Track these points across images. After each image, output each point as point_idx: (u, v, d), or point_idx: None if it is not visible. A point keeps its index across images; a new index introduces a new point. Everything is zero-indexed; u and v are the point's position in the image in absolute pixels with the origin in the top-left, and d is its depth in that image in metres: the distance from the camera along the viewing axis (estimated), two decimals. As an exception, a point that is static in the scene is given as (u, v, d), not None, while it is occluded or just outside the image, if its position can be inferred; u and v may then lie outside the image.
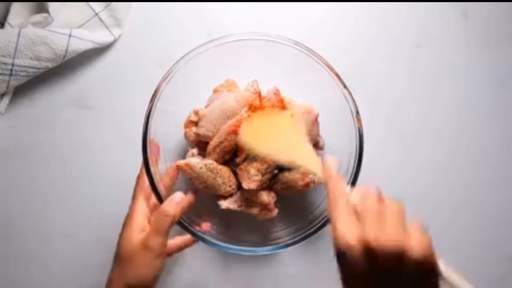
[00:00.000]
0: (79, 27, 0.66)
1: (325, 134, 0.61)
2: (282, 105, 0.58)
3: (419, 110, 0.68)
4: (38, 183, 0.64)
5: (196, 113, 0.59)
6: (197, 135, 0.58)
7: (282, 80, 0.60)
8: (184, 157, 0.59)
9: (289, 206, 0.60)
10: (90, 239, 0.62)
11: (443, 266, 0.36)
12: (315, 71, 0.57)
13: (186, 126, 0.59)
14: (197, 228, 0.54)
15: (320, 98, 0.59)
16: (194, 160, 0.56)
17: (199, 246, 0.57)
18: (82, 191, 0.65)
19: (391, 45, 0.69)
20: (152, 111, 0.55)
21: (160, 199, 0.53)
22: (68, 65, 0.66)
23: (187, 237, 0.56)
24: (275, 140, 0.47)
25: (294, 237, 0.54)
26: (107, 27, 0.67)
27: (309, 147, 0.45)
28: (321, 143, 0.60)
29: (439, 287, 0.36)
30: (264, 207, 0.57)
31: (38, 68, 0.64)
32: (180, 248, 0.57)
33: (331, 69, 0.56)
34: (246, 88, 0.60)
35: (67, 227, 0.63)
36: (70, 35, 0.63)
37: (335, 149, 0.60)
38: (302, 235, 0.54)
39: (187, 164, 0.56)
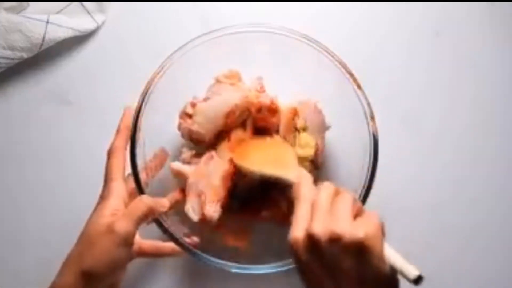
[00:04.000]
0: (57, 12, 0.66)
1: (334, 139, 0.61)
2: (273, 105, 0.59)
3: (440, 107, 0.67)
4: (12, 187, 0.65)
5: (193, 105, 0.58)
6: (190, 130, 0.58)
7: (286, 77, 0.60)
8: (177, 155, 0.60)
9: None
10: (68, 247, 0.58)
11: (388, 252, 0.40)
12: (322, 66, 0.57)
13: (180, 117, 0.59)
14: (187, 239, 0.53)
15: (328, 96, 0.59)
16: (188, 169, 0.57)
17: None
18: (60, 195, 0.64)
19: (407, 34, 0.69)
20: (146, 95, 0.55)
21: (140, 188, 0.52)
22: (46, 55, 0.66)
23: (168, 244, 0.55)
24: (263, 159, 0.56)
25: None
26: (89, 13, 0.67)
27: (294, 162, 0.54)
28: (326, 126, 0.61)
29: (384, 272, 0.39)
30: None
31: (12, 59, 0.63)
32: (157, 253, 0.57)
33: (343, 65, 0.56)
34: (250, 86, 0.60)
35: (43, 235, 0.63)
36: (47, 22, 0.63)
37: (346, 155, 0.60)
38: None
39: (179, 172, 0.57)
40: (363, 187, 0.54)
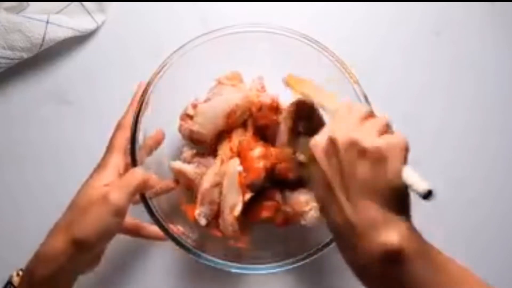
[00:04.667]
0: (57, 12, 0.65)
1: None
2: (274, 103, 0.59)
3: (440, 107, 0.67)
4: (11, 187, 0.64)
5: (194, 106, 0.58)
6: (191, 131, 0.58)
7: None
8: (177, 154, 0.59)
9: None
10: None
11: (406, 170, 0.39)
12: (322, 66, 0.57)
13: (181, 118, 0.59)
14: (171, 226, 0.53)
15: None
16: (189, 168, 0.57)
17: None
18: (60, 196, 0.59)
19: (407, 34, 0.68)
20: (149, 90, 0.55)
21: (135, 162, 0.52)
22: (46, 56, 0.66)
23: (153, 227, 0.55)
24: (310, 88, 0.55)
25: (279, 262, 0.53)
26: (89, 13, 0.66)
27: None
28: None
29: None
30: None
31: (12, 59, 0.63)
32: (137, 233, 0.56)
33: (343, 64, 0.56)
34: (251, 86, 0.59)
35: (43, 234, 0.58)
36: (47, 22, 0.63)
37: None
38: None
39: (179, 171, 0.57)
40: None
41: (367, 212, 0.38)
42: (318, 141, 0.42)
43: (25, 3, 0.64)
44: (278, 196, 0.57)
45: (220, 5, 0.68)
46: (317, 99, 0.53)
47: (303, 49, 0.56)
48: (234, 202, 0.54)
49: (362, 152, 0.39)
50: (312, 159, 0.42)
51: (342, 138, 0.40)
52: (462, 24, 0.68)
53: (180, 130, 0.59)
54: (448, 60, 0.67)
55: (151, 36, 0.67)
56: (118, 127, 0.54)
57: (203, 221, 0.55)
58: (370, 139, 0.39)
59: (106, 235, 0.47)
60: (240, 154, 0.56)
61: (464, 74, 0.67)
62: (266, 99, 0.58)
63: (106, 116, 0.63)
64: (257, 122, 0.58)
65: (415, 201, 0.41)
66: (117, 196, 0.47)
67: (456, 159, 0.65)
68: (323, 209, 0.42)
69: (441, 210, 0.63)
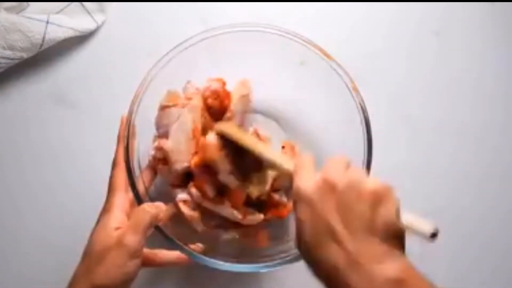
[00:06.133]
0: (57, 12, 0.65)
1: (332, 143, 0.58)
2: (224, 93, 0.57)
3: (440, 107, 0.66)
4: (12, 187, 0.64)
5: (159, 149, 0.55)
6: (175, 171, 0.55)
7: (280, 76, 0.60)
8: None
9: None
10: (68, 248, 0.58)
11: (404, 214, 0.40)
12: (319, 67, 0.56)
13: (159, 171, 0.56)
14: (192, 246, 0.52)
15: (323, 97, 0.58)
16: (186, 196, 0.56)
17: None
18: (60, 196, 0.63)
19: (407, 34, 0.68)
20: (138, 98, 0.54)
21: (139, 198, 0.51)
22: (45, 56, 0.65)
23: (175, 253, 0.54)
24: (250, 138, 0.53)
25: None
26: (89, 13, 0.66)
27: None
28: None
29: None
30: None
31: (12, 59, 0.63)
32: (163, 263, 0.55)
33: (336, 63, 0.55)
34: (185, 95, 0.57)
35: (43, 236, 0.62)
36: (47, 22, 0.63)
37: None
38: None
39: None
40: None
41: (371, 246, 0.38)
42: (304, 184, 0.40)
43: (25, 3, 0.64)
44: (276, 197, 0.56)
45: (220, 5, 0.67)
46: (271, 157, 0.50)
47: (296, 48, 0.56)
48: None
49: (360, 194, 0.39)
50: (303, 198, 0.40)
51: (339, 179, 0.39)
52: (462, 24, 0.68)
53: (161, 174, 0.56)
54: (448, 60, 0.67)
55: (151, 36, 0.66)
56: (113, 165, 0.52)
57: (199, 227, 0.55)
58: (368, 181, 0.39)
59: (128, 278, 0.47)
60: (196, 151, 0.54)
61: (464, 74, 0.67)
62: (216, 86, 0.56)
63: (106, 116, 0.63)
64: (214, 108, 0.57)
65: (417, 206, 0.40)
66: (132, 238, 0.46)
67: (456, 159, 0.65)
68: (312, 251, 0.39)
69: (440, 210, 0.62)
